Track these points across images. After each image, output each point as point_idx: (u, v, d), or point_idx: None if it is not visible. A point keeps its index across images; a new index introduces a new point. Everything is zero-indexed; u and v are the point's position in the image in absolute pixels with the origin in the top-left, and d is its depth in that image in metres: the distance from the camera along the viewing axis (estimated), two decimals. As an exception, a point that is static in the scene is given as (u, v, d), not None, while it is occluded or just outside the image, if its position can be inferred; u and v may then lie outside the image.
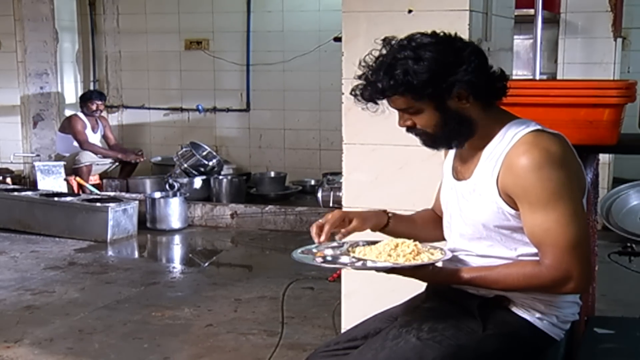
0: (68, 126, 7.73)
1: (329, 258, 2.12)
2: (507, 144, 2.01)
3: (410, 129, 2.08)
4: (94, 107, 7.76)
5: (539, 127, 2.04)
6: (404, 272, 2.04)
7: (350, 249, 2.15)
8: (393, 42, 2.02)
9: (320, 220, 2.16)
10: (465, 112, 2.02)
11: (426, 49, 1.95)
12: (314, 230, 2.15)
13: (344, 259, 2.10)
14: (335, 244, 2.21)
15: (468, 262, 2.15)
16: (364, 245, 2.16)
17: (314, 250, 2.16)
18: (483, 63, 2.02)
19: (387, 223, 2.28)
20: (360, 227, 2.21)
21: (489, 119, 2.06)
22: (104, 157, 7.83)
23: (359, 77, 2.04)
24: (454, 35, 2.04)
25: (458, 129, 2.04)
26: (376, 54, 2.03)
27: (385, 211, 2.31)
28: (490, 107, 2.06)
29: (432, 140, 2.08)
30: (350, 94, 2.07)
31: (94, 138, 7.82)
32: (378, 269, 2.05)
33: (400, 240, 2.12)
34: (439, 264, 2.09)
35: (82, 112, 7.80)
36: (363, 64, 2.04)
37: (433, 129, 2.04)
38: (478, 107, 2.03)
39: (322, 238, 2.13)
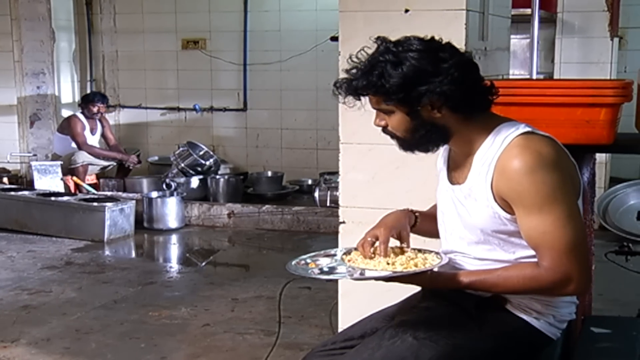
0: (67, 127, 7.71)
1: (325, 269, 2.11)
2: (498, 148, 2.00)
3: (385, 130, 2.09)
4: (95, 110, 7.75)
5: (528, 128, 2.03)
6: (402, 279, 2.04)
7: (344, 256, 2.13)
8: (385, 42, 2.02)
9: (368, 239, 2.10)
10: (437, 121, 2.01)
11: (407, 55, 1.95)
12: (366, 249, 2.09)
13: (341, 269, 2.09)
14: (331, 251, 2.21)
15: (465, 265, 2.14)
16: (356, 251, 2.14)
17: (309, 261, 2.16)
18: (464, 76, 1.98)
19: (415, 223, 2.28)
20: (408, 235, 2.20)
21: (476, 124, 2.05)
22: (103, 158, 7.82)
23: (346, 71, 2.05)
24: (446, 44, 2.02)
25: (428, 136, 2.04)
26: (369, 51, 2.03)
27: (411, 210, 2.30)
28: (474, 117, 2.04)
29: (403, 143, 2.09)
30: (334, 85, 2.07)
31: (92, 140, 7.80)
32: (377, 279, 2.05)
33: (391, 245, 2.12)
34: (437, 269, 2.09)
35: (82, 113, 7.78)
36: (353, 59, 2.04)
37: (403, 133, 2.05)
38: (455, 117, 2.01)
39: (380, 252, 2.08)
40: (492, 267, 2.06)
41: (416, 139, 2.06)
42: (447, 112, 2.00)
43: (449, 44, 2.03)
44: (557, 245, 1.93)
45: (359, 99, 2.05)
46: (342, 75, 2.06)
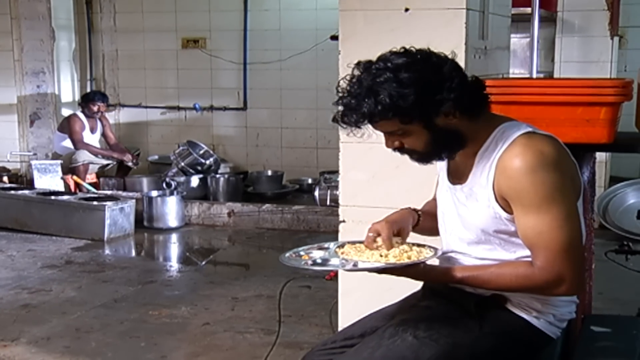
0: (67, 126, 7.72)
1: (318, 261, 2.11)
2: (500, 148, 2.00)
3: (401, 150, 2.05)
4: (95, 109, 7.75)
5: (530, 128, 2.03)
6: (395, 271, 2.04)
7: (337, 249, 2.14)
8: (366, 65, 1.97)
9: (370, 234, 2.11)
10: (453, 127, 1.99)
11: (404, 70, 1.91)
12: (370, 244, 2.10)
13: (334, 260, 2.09)
14: (324, 245, 2.21)
15: (463, 261, 2.14)
16: (350, 244, 2.15)
17: (302, 253, 2.16)
18: (463, 76, 1.99)
19: (418, 221, 2.27)
20: (407, 234, 2.20)
21: (479, 124, 2.04)
22: (101, 156, 7.82)
23: (338, 103, 1.99)
24: (427, 50, 1.99)
25: (448, 143, 2.03)
26: (350, 78, 1.98)
27: (414, 209, 2.30)
28: (478, 116, 2.04)
29: (423, 157, 2.06)
30: (332, 121, 2.02)
31: (92, 138, 7.80)
32: (369, 270, 2.05)
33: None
34: (432, 262, 2.09)
35: (83, 112, 7.79)
36: (340, 89, 1.99)
37: (423, 148, 2.02)
38: (465, 119, 2.01)
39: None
40: (487, 264, 2.06)
41: (437, 149, 2.03)
42: (459, 115, 1.99)
43: (429, 50, 2.00)
44: (552, 245, 1.93)
45: (360, 128, 1.99)
46: (339, 92, 2.00)
